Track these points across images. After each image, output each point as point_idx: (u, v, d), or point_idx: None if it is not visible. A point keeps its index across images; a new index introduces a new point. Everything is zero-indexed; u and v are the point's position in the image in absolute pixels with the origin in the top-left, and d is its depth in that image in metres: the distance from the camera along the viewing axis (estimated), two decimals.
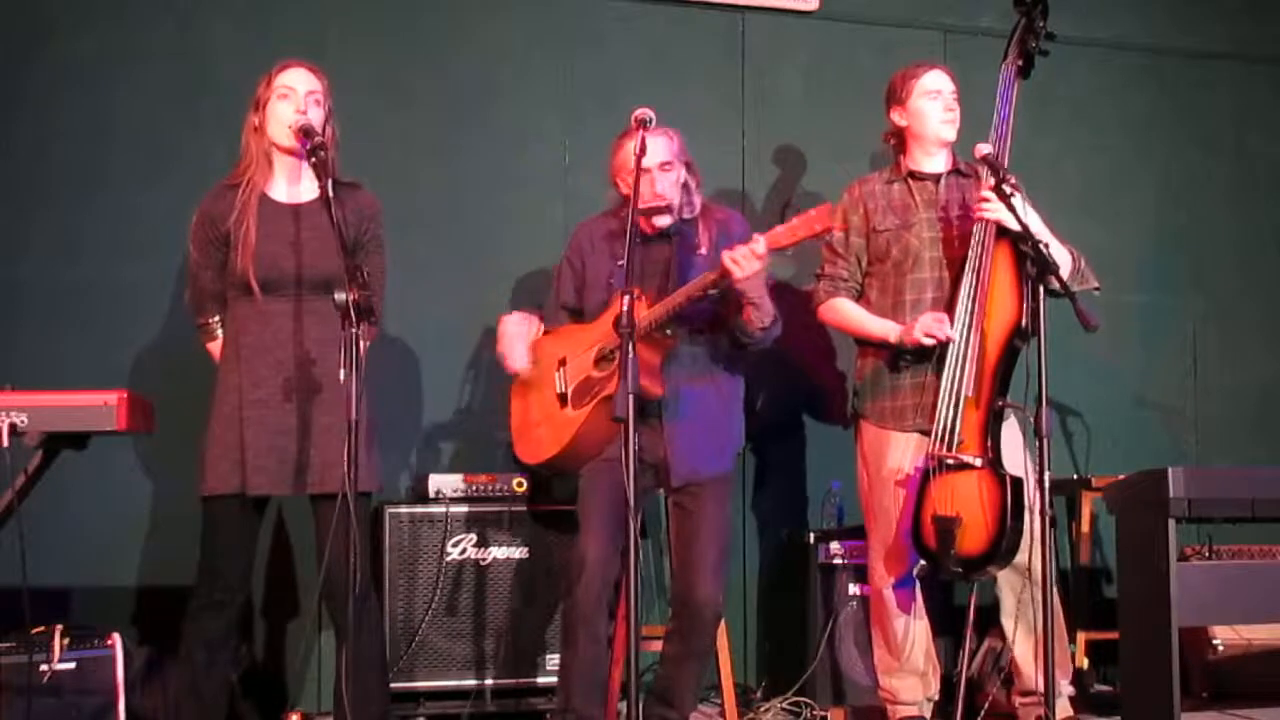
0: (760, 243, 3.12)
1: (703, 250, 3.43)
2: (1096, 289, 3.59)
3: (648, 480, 3.47)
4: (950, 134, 3.61)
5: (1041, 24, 3.59)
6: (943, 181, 3.64)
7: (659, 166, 3.41)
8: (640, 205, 3.34)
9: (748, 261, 3.13)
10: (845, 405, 3.85)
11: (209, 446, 3.11)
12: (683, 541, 3.44)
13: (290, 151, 3.16)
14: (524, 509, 3.91)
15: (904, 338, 3.48)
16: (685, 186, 3.47)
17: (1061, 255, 3.45)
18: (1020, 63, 3.60)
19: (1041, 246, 3.18)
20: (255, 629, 4.06)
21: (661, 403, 3.39)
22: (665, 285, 3.40)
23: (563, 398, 3.53)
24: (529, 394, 3.66)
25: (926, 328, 3.42)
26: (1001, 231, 3.40)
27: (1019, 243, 3.29)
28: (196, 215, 3.19)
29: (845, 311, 3.66)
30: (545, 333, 3.60)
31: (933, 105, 3.59)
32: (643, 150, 3.03)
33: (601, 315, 3.51)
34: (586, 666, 3.35)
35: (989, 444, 3.35)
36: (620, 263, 3.40)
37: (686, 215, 3.48)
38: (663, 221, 3.45)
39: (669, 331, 3.34)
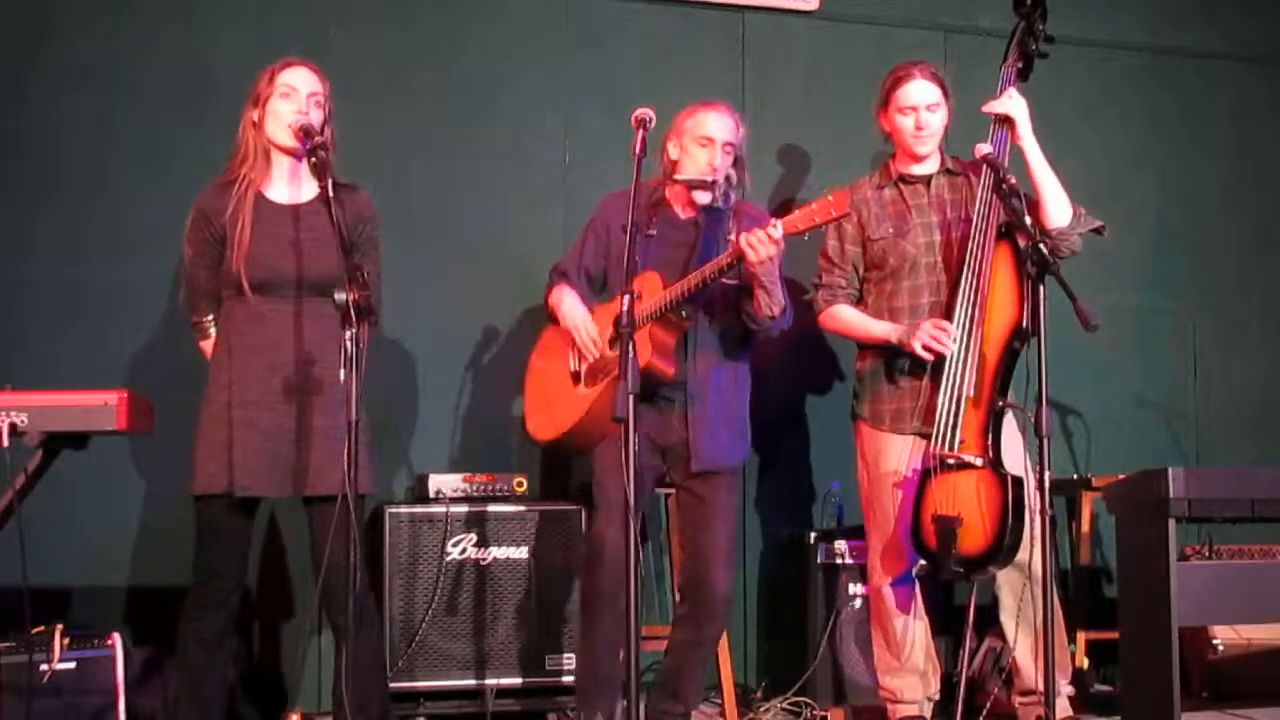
0: (777, 227, 3.13)
1: (731, 238, 3.43)
2: (1100, 229, 3.59)
3: (657, 463, 3.47)
4: (923, 150, 3.61)
5: (1041, 27, 3.60)
6: (933, 182, 3.64)
7: (723, 145, 3.43)
8: (691, 174, 3.40)
9: (763, 246, 3.14)
10: (847, 404, 3.84)
11: (198, 446, 3.10)
12: (695, 528, 3.45)
13: (289, 151, 3.15)
14: (524, 509, 3.91)
15: (903, 340, 3.48)
16: (727, 179, 3.48)
17: (1062, 202, 3.50)
18: (1020, 64, 3.61)
19: (1042, 246, 3.17)
20: (254, 629, 4.06)
21: (685, 386, 3.40)
22: (686, 269, 3.39)
23: (576, 376, 3.55)
24: (543, 372, 3.68)
25: (926, 339, 3.41)
26: (1001, 233, 3.41)
27: (1017, 237, 3.30)
28: (193, 213, 3.17)
29: (845, 317, 3.67)
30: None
31: (905, 121, 3.59)
32: (643, 150, 3.02)
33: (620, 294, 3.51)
34: (610, 640, 3.37)
35: (990, 444, 3.36)
36: (651, 232, 3.45)
37: (721, 205, 3.48)
38: (703, 198, 3.45)
39: (684, 314, 3.35)
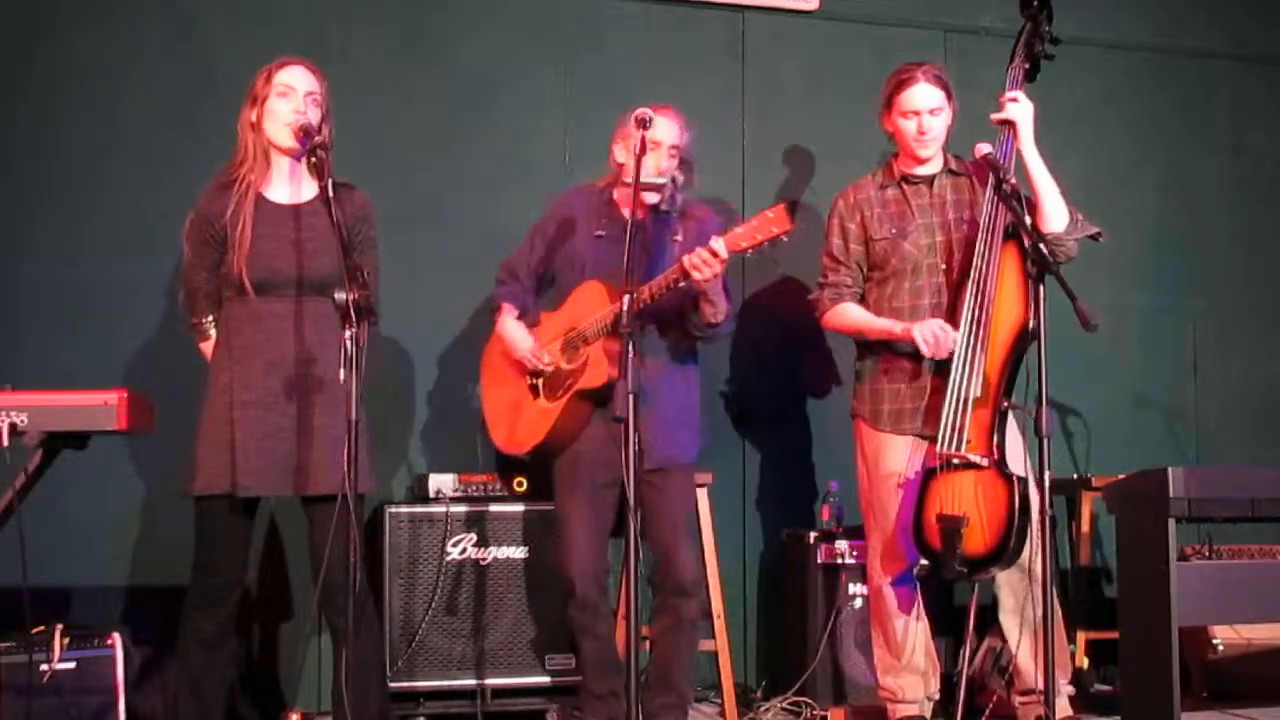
0: (720, 245, 3.17)
1: (679, 238, 3.48)
2: (1096, 235, 3.59)
3: (614, 458, 3.50)
4: (925, 153, 3.61)
5: (1048, 28, 3.60)
6: (936, 182, 3.64)
7: (669, 148, 3.48)
8: (640, 177, 3.41)
9: (707, 266, 3.20)
10: (847, 404, 3.84)
11: (198, 446, 3.09)
12: (658, 516, 3.49)
13: (287, 151, 3.15)
14: (524, 509, 3.92)
15: (905, 335, 3.47)
16: (673, 180, 3.53)
17: (1059, 208, 3.50)
18: (1027, 66, 3.61)
19: (1041, 246, 3.18)
20: (254, 629, 4.05)
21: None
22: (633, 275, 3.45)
23: (534, 389, 3.60)
24: (501, 384, 3.74)
25: (928, 336, 3.41)
26: (1009, 233, 3.40)
27: (1021, 237, 3.30)
28: (192, 214, 3.17)
29: (850, 315, 3.66)
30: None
31: (908, 125, 3.59)
32: (643, 150, 3.13)
33: (566, 302, 3.59)
34: (594, 658, 3.54)
35: (995, 444, 3.35)
36: (598, 233, 3.54)
37: (668, 207, 3.54)
38: (651, 199, 3.50)
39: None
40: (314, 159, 2.93)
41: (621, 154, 3.55)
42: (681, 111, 3.55)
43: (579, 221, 3.59)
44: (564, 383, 3.50)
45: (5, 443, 2.67)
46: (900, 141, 3.65)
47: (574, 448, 3.52)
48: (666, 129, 3.47)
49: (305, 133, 3.02)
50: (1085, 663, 4.34)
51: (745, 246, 3.14)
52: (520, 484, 3.96)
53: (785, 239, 3.12)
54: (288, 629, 4.10)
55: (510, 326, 3.64)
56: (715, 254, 3.17)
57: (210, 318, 3.21)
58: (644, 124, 3.10)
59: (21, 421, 2.70)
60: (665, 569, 3.48)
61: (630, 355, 2.76)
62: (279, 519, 4.02)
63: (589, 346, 3.46)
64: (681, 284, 3.27)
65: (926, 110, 3.56)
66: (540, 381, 3.60)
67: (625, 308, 2.82)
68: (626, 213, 3.54)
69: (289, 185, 3.19)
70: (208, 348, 3.23)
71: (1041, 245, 3.15)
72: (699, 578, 3.56)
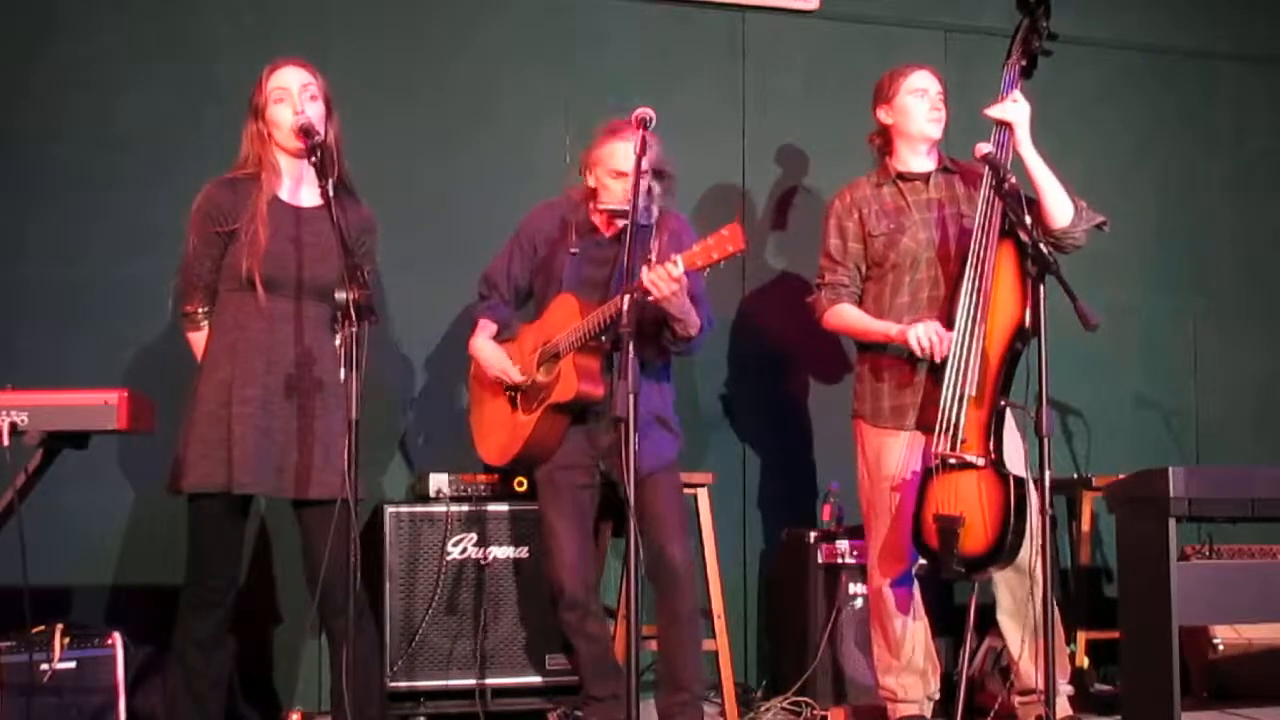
0: (677, 264, 3.19)
1: (651, 257, 3.46)
2: (1103, 224, 3.60)
3: (596, 467, 3.57)
4: (936, 132, 3.62)
5: (1045, 24, 3.60)
6: (932, 180, 3.65)
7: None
8: (612, 205, 3.50)
9: (665, 283, 3.21)
10: (847, 403, 3.84)
11: (190, 443, 3.06)
12: (647, 516, 3.49)
13: (295, 153, 3.14)
14: (524, 508, 3.91)
15: (900, 338, 3.48)
16: (649, 192, 3.51)
17: (1064, 203, 3.50)
18: (1024, 62, 3.61)
19: (1041, 245, 3.18)
20: (253, 630, 4.04)
21: (610, 403, 3.45)
22: (607, 287, 3.49)
23: (513, 401, 3.65)
24: (483, 398, 3.77)
25: (922, 339, 3.41)
26: (1005, 231, 3.40)
27: (1019, 235, 3.30)
28: (201, 202, 3.14)
29: (848, 317, 3.66)
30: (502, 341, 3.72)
31: (919, 103, 3.60)
32: (643, 149, 3.12)
33: (542, 316, 3.62)
34: (590, 661, 3.57)
35: (992, 443, 3.35)
36: (572, 250, 3.57)
37: (643, 221, 3.50)
38: (622, 223, 3.50)
39: (603, 338, 3.43)
40: (314, 159, 2.93)
41: (592, 181, 3.57)
42: (665, 121, 3.50)
43: (554, 236, 3.63)
44: (539, 395, 3.55)
45: (5, 442, 2.67)
46: (903, 130, 3.63)
47: (559, 461, 3.56)
48: (629, 155, 3.39)
49: (305, 132, 3.02)
50: (1085, 663, 4.34)
51: (701, 265, 3.16)
52: (521, 484, 3.96)
53: (741, 256, 3.17)
54: (285, 629, 4.10)
55: (481, 345, 3.68)
56: (671, 273, 3.19)
57: (205, 308, 3.19)
58: (644, 124, 3.11)
59: (21, 421, 2.69)
60: (656, 560, 3.49)
61: (630, 356, 2.77)
62: (269, 519, 4.01)
63: (561, 360, 3.48)
64: (641, 302, 3.24)
65: (934, 90, 3.59)
66: (518, 394, 3.64)
67: (625, 308, 2.84)
68: (601, 227, 3.60)
69: (298, 188, 3.19)
70: (197, 338, 3.21)
71: (1041, 244, 3.15)
72: (689, 569, 3.55)
